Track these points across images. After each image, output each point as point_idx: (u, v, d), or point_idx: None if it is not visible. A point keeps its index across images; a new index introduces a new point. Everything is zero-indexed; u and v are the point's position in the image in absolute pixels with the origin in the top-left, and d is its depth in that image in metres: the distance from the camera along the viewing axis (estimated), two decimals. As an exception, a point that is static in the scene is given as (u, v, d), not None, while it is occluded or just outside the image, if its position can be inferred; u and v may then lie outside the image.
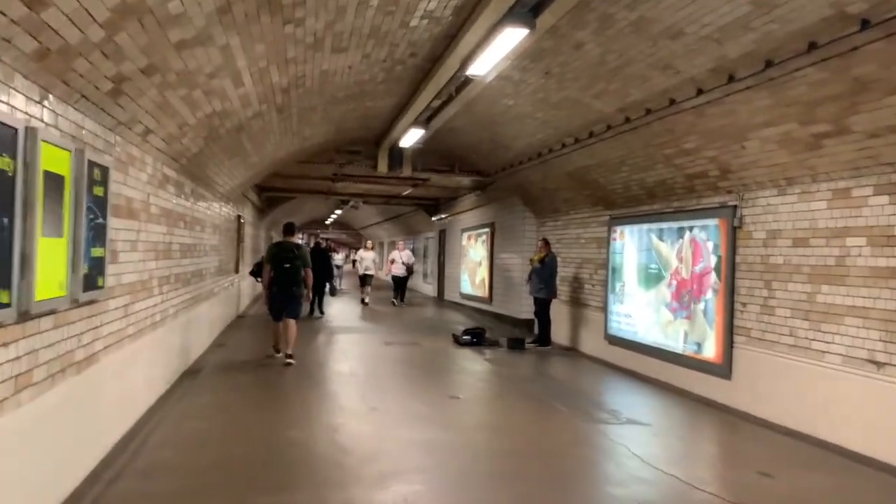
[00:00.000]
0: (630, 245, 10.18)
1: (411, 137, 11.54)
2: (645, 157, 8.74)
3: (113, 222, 5.16)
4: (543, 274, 11.86)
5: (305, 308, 13.90)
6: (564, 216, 12.73)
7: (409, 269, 19.72)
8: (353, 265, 19.08)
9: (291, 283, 9.43)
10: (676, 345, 8.85)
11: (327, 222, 42.01)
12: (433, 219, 23.48)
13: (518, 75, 8.21)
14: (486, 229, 17.15)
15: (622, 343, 10.32)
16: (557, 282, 12.10)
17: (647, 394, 8.52)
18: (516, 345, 11.82)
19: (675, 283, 8.98)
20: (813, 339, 6.61)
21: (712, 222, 8.21)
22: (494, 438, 6.15)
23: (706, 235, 8.31)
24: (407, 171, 14.16)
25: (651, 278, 9.58)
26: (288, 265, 9.41)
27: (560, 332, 12.41)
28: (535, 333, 12.52)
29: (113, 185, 5.14)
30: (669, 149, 8.15)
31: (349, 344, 11.74)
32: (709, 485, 5.07)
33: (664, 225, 9.28)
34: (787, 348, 6.96)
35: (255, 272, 11.71)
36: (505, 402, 7.73)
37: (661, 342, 9.23)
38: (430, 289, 25.01)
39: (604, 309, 10.97)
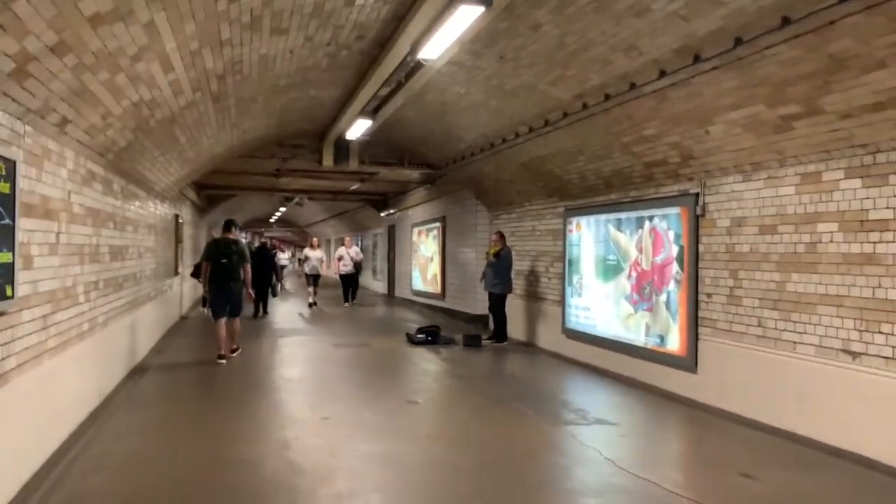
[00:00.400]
0: (587, 236, 9.89)
1: (358, 129, 11.03)
2: (602, 146, 8.43)
3: (24, 223, 4.57)
4: (499, 268, 11.51)
5: (250, 308, 13.54)
6: (518, 208, 12.40)
7: (358, 266, 18.99)
8: (300, 264, 18.23)
9: (229, 279, 9.43)
10: (638, 338, 8.58)
11: (271, 220, 41.05)
12: (382, 214, 22.96)
13: (471, 61, 7.79)
14: (437, 224, 16.74)
15: (581, 337, 10.03)
16: (513, 275, 11.78)
17: (610, 390, 8.22)
18: (472, 342, 11.44)
19: (634, 274, 8.71)
20: (783, 330, 6.38)
21: (673, 211, 7.95)
22: (458, 448, 5.73)
23: (667, 225, 8.05)
24: (354, 165, 13.64)
25: (609, 270, 9.30)
26: (225, 260, 9.42)
27: (516, 327, 12.08)
28: (490, 329, 12.17)
29: (23, 181, 4.54)
30: (628, 136, 7.85)
31: (296, 347, 11.18)
32: (689, 489, 4.75)
33: (622, 215, 9.00)
34: (756, 339, 6.72)
35: (196, 273, 11.56)
36: (466, 406, 7.32)
37: (621, 335, 8.96)
38: (380, 286, 24.50)
39: (561, 302, 10.67)
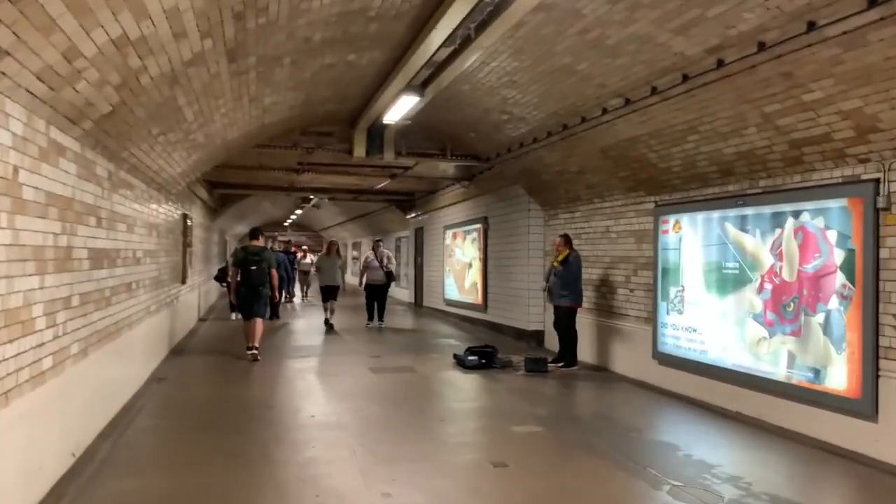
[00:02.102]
0: (692, 238, 7.92)
1: (401, 109, 9.11)
2: (731, 119, 6.48)
3: None
4: (567, 277, 9.57)
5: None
6: (586, 206, 10.44)
7: (390, 276, 14.82)
8: (317, 271, 15.36)
9: (258, 284, 10.17)
10: (775, 370, 6.61)
11: (285, 224, 39.24)
12: (408, 216, 21.04)
13: (570, 2, 5.86)
14: (478, 225, 14.78)
15: (682, 364, 8.05)
16: (582, 286, 9.83)
17: (745, 440, 6.23)
18: (537, 366, 9.47)
19: (769, 287, 6.73)
20: None
21: (836, 204, 5.98)
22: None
23: (825, 222, 6.08)
24: (389, 157, 11.69)
25: (728, 281, 7.33)
26: (254, 267, 10.13)
27: (583, 347, 10.10)
28: (546, 349, 10.22)
29: None
30: (776, 104, 5.89)
31: (326, 373, 9.23)
32: None
33: (749, 211, 7.03)
34: None
35: (220, 277, 12.21)
36: (575, 470, 5.27)
37: (748, 366, 6.99)
38: (405, 294, 22.54)
39: (651, 320, 8.70)
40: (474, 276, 15.04)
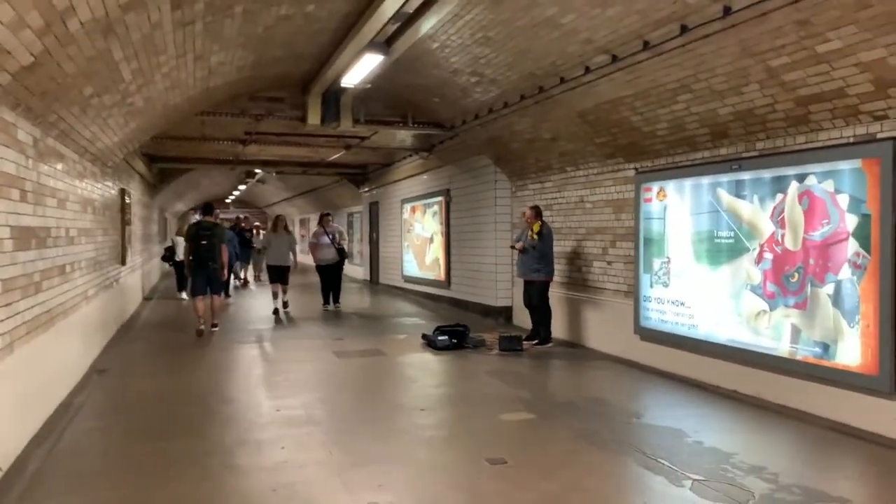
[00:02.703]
0: (678, 207, 7.44)
1: (362, 69, 8.37)
2: (730, 76, 5.96)
3: None
4: (542, 250, 9.04)
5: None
6: (558, 175, 9.89)
7: (342, 253, 13.58)
8: (263, 250, 13.81)
9: (208, 259, 10.05)
10: (777, 345, 6.19)
11: (227, 200, 37.84)
12: (362, 190, 20.23)
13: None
14: (439, 198, 14.12)
15: (668, 340, 7.62)
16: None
17: (756, 423, 5.77)
18: (511, 345, 8.93)
19: (769, 256, 6.29)
20: None
21: (848, 166, 5.53)
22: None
23: (835, 186, 5.63)
24: (346, 124, 10.90)
25: (721, 251, 6.87)
26: (204, 241, 10.03)
27: (556, 323, 9.59)
28: (515, 325, 9.70)
29: None
30: (784, 57, 5.39)
31: (288, 359, 8.50)
32: None
33: (746, 175, 6.55)
34: None
35: (167, 257, 11.50)
36: (583, 467, 4.65)
37: (745, 341, 6.56)
38: (360, 272, 21.78)
39: (632, 294, 8.24)
40: (436, 251, 14.42)
